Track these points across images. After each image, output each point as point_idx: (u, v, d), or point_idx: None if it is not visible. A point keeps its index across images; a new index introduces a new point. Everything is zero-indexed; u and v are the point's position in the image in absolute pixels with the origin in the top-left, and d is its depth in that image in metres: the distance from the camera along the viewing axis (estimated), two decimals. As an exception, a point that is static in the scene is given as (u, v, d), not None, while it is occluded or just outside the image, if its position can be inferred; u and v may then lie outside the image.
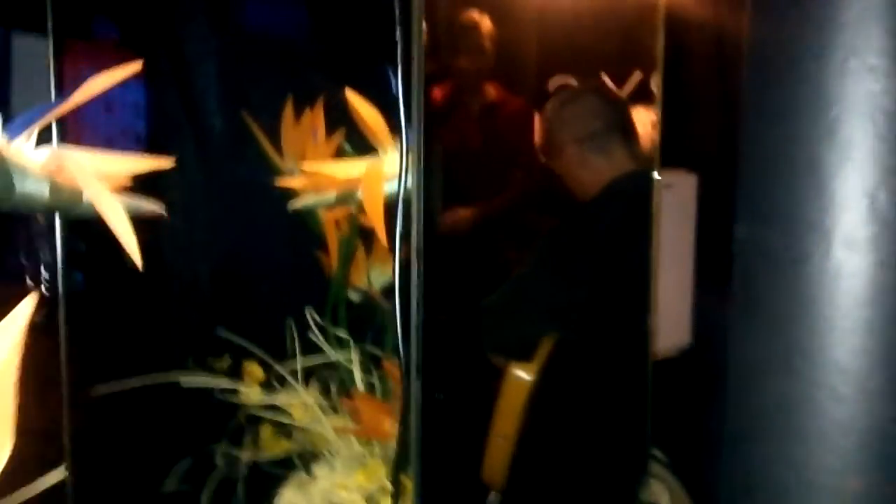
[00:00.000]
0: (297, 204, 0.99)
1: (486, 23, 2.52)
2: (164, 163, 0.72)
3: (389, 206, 0.92)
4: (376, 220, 0.86)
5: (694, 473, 1.27)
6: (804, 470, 0.44)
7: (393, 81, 0.90)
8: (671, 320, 1.29)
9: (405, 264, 1.15)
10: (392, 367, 1.12)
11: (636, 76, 4.03)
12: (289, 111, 1.15)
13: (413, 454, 0.80)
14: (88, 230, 0.93)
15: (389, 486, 1.09)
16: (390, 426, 1.09)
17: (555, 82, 4.18)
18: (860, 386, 0.43)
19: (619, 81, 4.02)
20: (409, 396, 0.75)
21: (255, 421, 1.21)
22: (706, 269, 1.50)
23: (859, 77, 0.43)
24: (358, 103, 0.92)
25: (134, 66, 0.68)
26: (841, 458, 0.43)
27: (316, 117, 1.14)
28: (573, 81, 4.12)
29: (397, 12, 0.68)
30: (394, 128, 0.96)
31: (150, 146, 1.40)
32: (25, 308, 0.36)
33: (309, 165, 0.92)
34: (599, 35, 3.81)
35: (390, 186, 0.94)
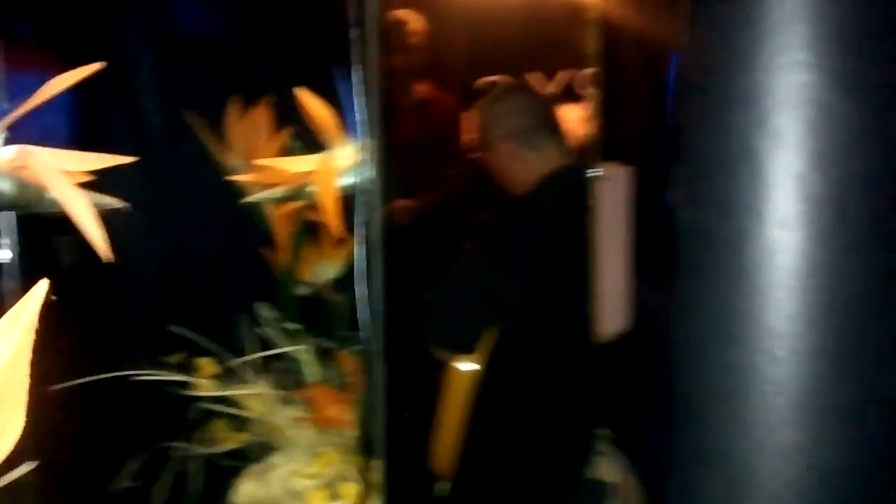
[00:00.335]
0: (251, 199, 1.01)
1: (416, 21, 2.55)
2: (123, 159, 0.74)
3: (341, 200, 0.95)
4: (331, 213, 0.89)
5: (636, 448, 1.33)
6: (748, 426, 0.49)
7: (340, 79, 0.93)
8: (611, 306, 1.35)
9: (358, 255, 1.19)
10: (346, 358, 1.15)
11: (564, 75, 4.13)
12: (234, 109, 1.17)
13: (379, 440, 0.83)
14: (33, 228, 0.93)
15: (346, 473, 1.12)
16: (346, 414, 1.12)
17: (484, 81, 4.24)
18: (793, 348, 0.48)
19: (548, 80, 4.11)
20: (374, 383, 0.78)
21: (210, 415, 1.22)
22: (641, 256, 1.57)
23: (788, 71, 0.48)
24: (308, 100, 0.95)
25: (95, 67, 0.69)
26: (778, 414, 0.48)
27: (262, 114, 1.16)
28: (503, 80, 4.19)
29: (353, 12, 0.71)
30: (343, 124, 0.99)
31: (84, 145, 1.39)
32: (38, 292, 0.38)
33: (263, 161, 0.94)
34: (528, 34, 3.88)
35: (341, 181, 0.97)
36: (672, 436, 0.55)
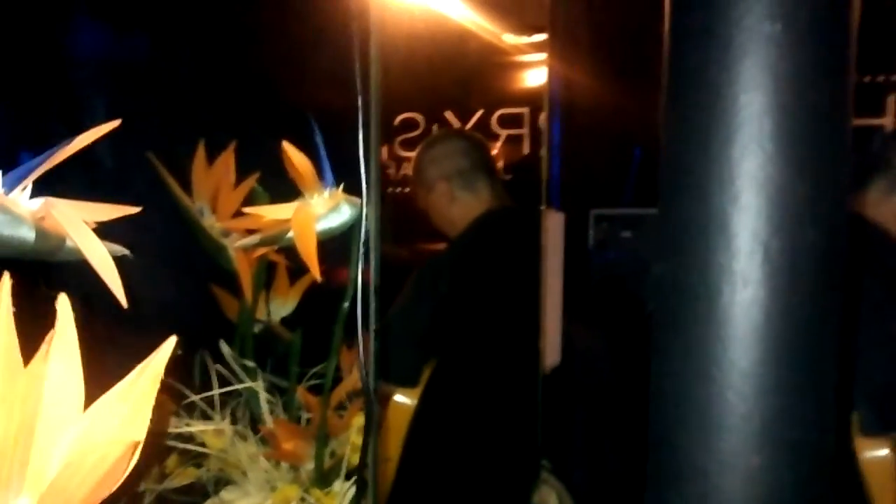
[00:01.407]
0: (239, 244, 1.06)
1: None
2: (131, 210, 0.78)
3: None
4: (310, 258, 0.94)
5: (573, 476, 1.42)
6: (719, 454, 0.58)
7: (315, 128, 0.99)
8: (546, 342, 1.44)
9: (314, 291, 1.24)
10: (307, 395, 1.20)
11: (478, 115, 4.26)
12: (200, 153, 1.21)
13: (370, 478, 0.88)
14: None
15: (302, 506, 1.17)
16: (305, 449, 1.17)
17: (401, 118, 4.34)
18: (758, 386, 0.58)
19: (463, 120, 4.24)
20: (370, 421, 0.83)
21: (164, 451, 1.24)
22: (571, 297, 1.68)
23: (755, 156, 0.58)
24: (289, 149, 1.00)
25: (114, 123, 0.74)
26: (745, 442, 0.58)
27: (228, 160, 1.21)
28: (419, 118, 4.30)
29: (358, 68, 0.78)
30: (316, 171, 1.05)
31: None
32: (167, 347, 0.43)
33: (249, 209, 0.99)
34: (445, 75, 4.01)
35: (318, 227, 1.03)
36: (652, 460, 0.63)
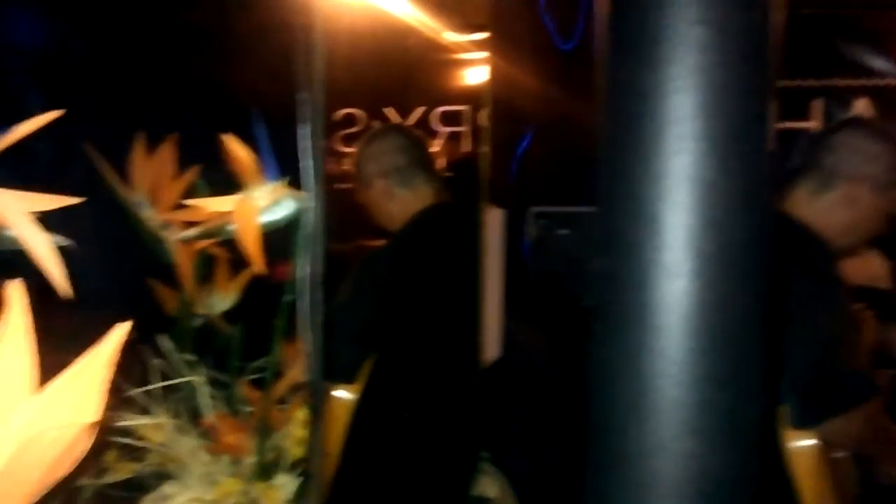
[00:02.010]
0: (180, 236, 1.05)
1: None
2: (70, 200, 0.78)
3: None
4: (254, 251, 0.95)
5: (513, 468, 1.45)
6: (652, 440, 0.61)
7: (258, 122, 1.00)
8: (486, 337, 1.47)
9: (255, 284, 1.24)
10: (249, 389, 1.20)
11: (418, 112, 4.28)
12: (140, 145, 1.20)
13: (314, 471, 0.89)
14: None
15: (243, 500, 1.17)
16: (246, 442, 1.17)
17: (341, 114, 4.33)
18: (689, 374, 0.61)
19: (403, 116, 4.25)
20: (315, 418, 0.84)
21: (102, 446, 1.23)
22: (510, 292, 1.71)
23: (684, 155, 0.61)
24: (229, 142, 1.01)
25: (55, 113, 0.74)
26: (678, 427, 0.61)
27: (168, 152, 1.20)
28: (359, 114, 4.30)
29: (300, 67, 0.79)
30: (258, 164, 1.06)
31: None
32: (119, 333, 0.43)
33: (190, 201, 0.98)
34: (385, 72, 4.02)
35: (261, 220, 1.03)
36: (591, 445, 0.66)
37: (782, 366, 1.40)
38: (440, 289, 1.73)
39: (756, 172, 0.63)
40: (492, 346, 1.53)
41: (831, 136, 1.60)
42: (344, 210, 2.23)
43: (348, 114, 4.28)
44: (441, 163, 3.53)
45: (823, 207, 1.56)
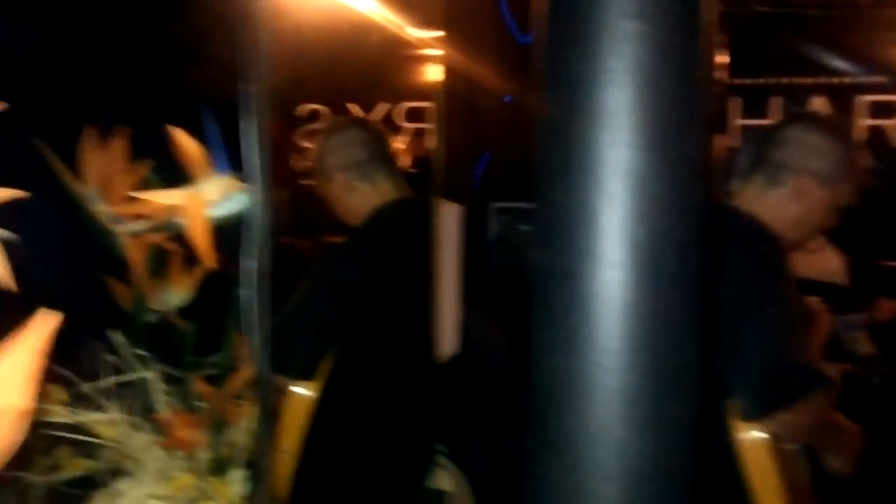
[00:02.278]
0: (125, 230, 1.05)
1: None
2: (18, 193, 0.77)
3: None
4: (203, 245, 0.95)
5: (470, 463, 1.46)
6: (588, 425, 0.62)
7: (209, 116, 1.00)
8: (443, 332, 1.47)
9: (209, 280, 1.24)
10: (202, 384, 1.20)
11: (381, 108, 4.29)
12: (91, 138, 1.19)
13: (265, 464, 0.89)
14: None
15: (198, 495, 1.16)
16: (200, 438, 1.17)
17: (304, 109, 4.32)
18: (624, 363, 0.62)
19: (366, 112, 4.25)
20: (263, 410, 0.84)
21: (54, 442, 1.22)
22: (466, 287, 1.72)
23: (618, 148, 0.62)
24: (178, 135, 1.00)
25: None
26: (611, 414, 0.62)
27: (118, 146, 1.19)
28: (322, 109, 4.29)
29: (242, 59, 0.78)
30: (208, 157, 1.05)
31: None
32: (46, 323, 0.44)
33: (136, 193, 0.98)
34: (348, 67, 4.01)
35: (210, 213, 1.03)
36: (528, 431, 0.67)
37: (732, 358, 1.42)
38: (400, 285, 1.73)
39: (689, 165, 0.64)
40: (450, 341, 1.53)
41: (780, 131, 1.63)
42: (308, 205, 2.23)
43: (312, 109, 4.28)
44: (405, 159, 3.54)
45: (773, 202, 1.59)
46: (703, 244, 0.65)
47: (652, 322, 0.63)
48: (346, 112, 4.01)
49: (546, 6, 0.66)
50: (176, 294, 1.34)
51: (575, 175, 0.64)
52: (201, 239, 0.94)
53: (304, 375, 1.65)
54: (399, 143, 3.66)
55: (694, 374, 0.65)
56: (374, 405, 1.62)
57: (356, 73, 4.03)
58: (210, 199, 0.98)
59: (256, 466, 0.90)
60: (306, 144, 4.01)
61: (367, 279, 1.74)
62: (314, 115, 4.16)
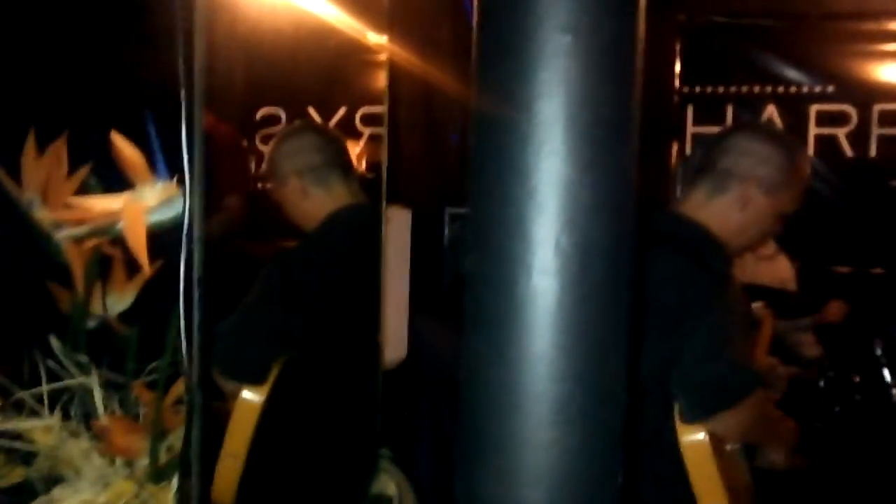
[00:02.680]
0: (62, 235, 1.03)
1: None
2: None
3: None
4: (140, 251, 0.94)
5: (412, 465, 1.46)
6: (518, 430, 0.63)
7: (149, 121, 0.99)
8: (392, 337, 1.47)
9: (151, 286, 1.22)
10: (139, 389, 1.18)
11: (341, 112, 4.26)
12: (30, 144, 1.17)
13: (194, 468, 0.88)
14: None
15: (137, 502, 1.15)
16: (140, 444, 1.15)
17: (263, 113, 4.29)
18: (551, 368, 0.63)
19: (326, 116, 4.23)
20: (193, 415, 0.83)
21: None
22: (419, 293, 1.72)
23: (548, 158, 0.63)
24: (117, 140, 0.99)
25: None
26: (539, 419, 0.63)
27: (59, 151, 1.17)
28: (281, 113, 4.26)
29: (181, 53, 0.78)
30: (149, 162, 1.04)
31: None
32: None
33: (72, 199, 0.97)
34: (307, 71, 3.99)
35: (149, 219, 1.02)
36: (459, 437, 0.67)
37: (674, 362, 1.45)
38: (352, 290, 1.73)
39: (619, 176, 0.65)
40: (398, 346, 1.53)
41: (725, 139, 1.66)
42: (266, 209, 2.21)
43: (270, 113, 4.25)
44: (363, 163, 3.53)
45: (719, 209, 1.61)
46: (631, 253, 0.66)
47: (580, 329, 0.64)
48: (306, 116, 3.99)
49: (479, 17, 0.67)
50: (118, 299, 1.32)
51: (506, 185, 0.64)
52: (138, 244, 0.93)
53: (253, 380, 1.64)
54: (358, 148, 3.65)
55: (622, 381, 0.66)
56: (322, 410, 1.61)
57: (315, 76, 4.01)
58: (149, 204, 0.97)
59: (185, 472, 0.89)
60: (264, 148, 3.99)
61: (318, 284, 1.73)
62: (272, 119, 4.13)
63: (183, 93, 0.75)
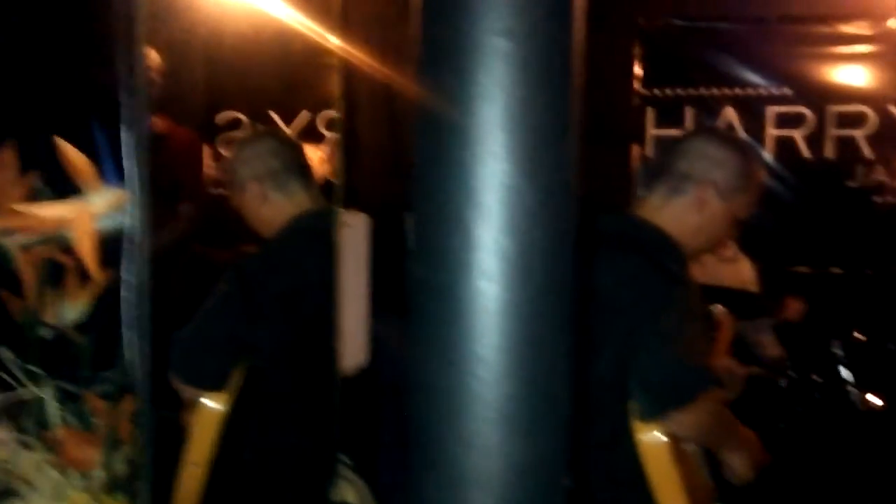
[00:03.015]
0: (15, 242, 1.02)
1: (152, 56, 2.55)
2: None
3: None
4: (89, 258, 0.93)
5: (373, 471, 1.46)
6: (462, 432, 0.63)
7: (97, 128, 0.98)
8: (352, 344, 1.47)
9: (105, 294, 1.21)
10: (93, 399, 1.17)
11: (303, 116, 4.25)
12: (-22, 150, 1.15)
13: (143, 479, 0.87)
14: None
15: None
16: (95, 455, 1.14)
17: (224, 117, 4.26)
18: (496, 372, 0.63)
19: (287, 120, 4.22)
20: (140, 425, 0.83)
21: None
22: (379, 298, 1.72)
23: (488, 161, 0.63)
24: (64, 147, 0.98)
25: None
26: (484, 422, 0.63)
27: (7, 158, 1.16)
28: (242, 117, 4.24)
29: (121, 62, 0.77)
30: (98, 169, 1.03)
31: None
32: None
33: (19, 206, 0.96)
34: (269, 74, 3.98)
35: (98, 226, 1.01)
36: (409, 441, 0.68)
37: (631, 362, 1.46)
38: (311, 296, 1.72)
39: (559, 179, 0.66)
40: (358, 352, 1.53)
41: (683, 143, 1.69)
42: (227, 215, 2.20)
43: (232, 117, 4.22)
44: (326, 168, 3.51)
45: (675, 212, 1.64)
46: (573, 255, 0.67)
47: (524, 332, 0.65)
48: (267, 120, 3.97)
49: (419, 19, 0.68)
50: (71, 308, 1.31)
51: (447, 188, 0.65)
52: (88, 251, 0.92)
53: (213, 387, 1.63)
54: (320, 152, 3.63)
55: (567, 382, 0.67)
56: (284, 416, 1.60)
57: (277, 80, 3.99)
58: (98, 211, 0.96)
59: (135, 484, 0.88)
60: (226, 152, 3.95)
61: (277, 290, 1.72)
62: (234, 123, 4.10)
63: (124, 98, 0.74)
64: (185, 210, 2.81)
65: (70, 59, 1.19)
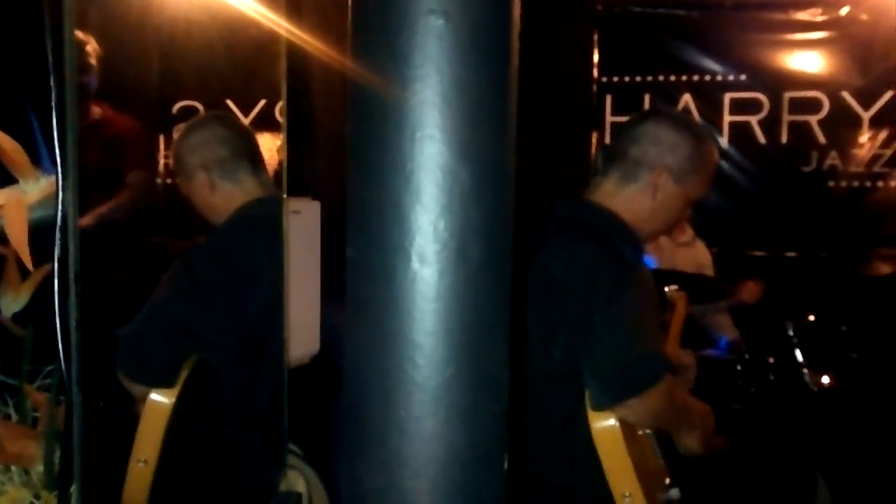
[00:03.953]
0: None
1: (87, 41, 2.47)
2: None
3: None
4: (21, 247, 0.90)
5: (324, 462, 1.45)
6: (397, 421, 0.62)
7: (31, 114, 0.95)
8: (302, 332, 1.45)
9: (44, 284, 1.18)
10: (35, 394, 1.14)
11: (261, 105, 4.20)
12: None
13: (76, 473, 0.85)
14: None
15: (33, 510, 1.11)
16: (34, 450, 1.11)
17: (180, 106, 4.19)
18: (431, 356, 0.62)
19: (245, 109, 4.16)
20: (71, 418, 0.80)
21: None
22: (330, 286, 1.69)
23: (424, 143, 0.62)
24: (-3, 135, 0.95)
25: None
26: (421, 407, 0.62)
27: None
28: (199, 106, 4.17)
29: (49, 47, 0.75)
30: (33, 157, 1.00)
31: None
32: None
33: (-53, 196, 0.92)
34: (225, 63, 3.91)
35: (31, 215, 0.98)
36: (347, 427, 0.66)
37: (584, 348, 1.46)
38: (260, 285, 1.69)
39: (495, 160, 0.65)
40: (310, 341, 1.51)
41: (635, 127, 1.68)
42: (182, 204, 2.15)
43: (188, 106, 4.15)
44: (281, 156, 3.47)
45: (629, 196, 1.64)
46: (510, 238, 0.66)
47: (460, 316, 0.64)
48: (224, 108, 3.91)
49: (355, 2, 0.66)
50: (12, 300, 1.27)
51: (383, 171, 0.63)
52: (19, 240, 0.89)
53: (161, 383, 1.60)
54: (278, 140, 3.58)
55: (504, 366, 0.66)
56: (234, 408, 1.58)
57: (233, 69, 3.93)
58: (31, 199, 0.93)
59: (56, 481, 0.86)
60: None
61: (226, 281, 1.69)
62: (190, 112, 4.04)
63: (53, 83, 0.72)
64: (133, 179, 2.75)
65: (1, 45, 1.15)
